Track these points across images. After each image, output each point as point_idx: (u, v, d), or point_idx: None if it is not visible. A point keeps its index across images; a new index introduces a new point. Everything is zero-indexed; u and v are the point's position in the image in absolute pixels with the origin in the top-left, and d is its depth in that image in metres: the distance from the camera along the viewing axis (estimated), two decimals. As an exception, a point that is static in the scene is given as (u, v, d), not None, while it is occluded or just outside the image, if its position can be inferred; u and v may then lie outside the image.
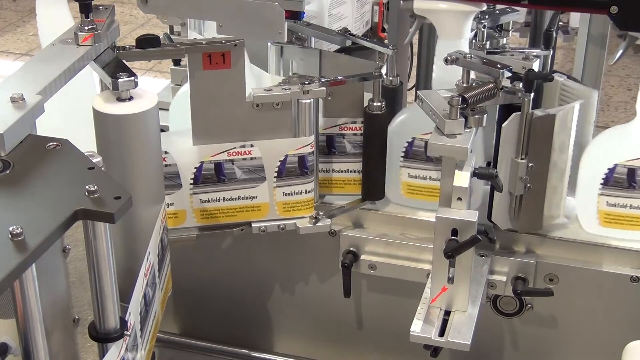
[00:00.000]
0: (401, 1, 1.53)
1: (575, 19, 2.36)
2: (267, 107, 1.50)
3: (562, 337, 1.65)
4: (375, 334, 1.77)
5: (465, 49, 1.54)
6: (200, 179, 1.52)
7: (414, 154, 1.61)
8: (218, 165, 1.52)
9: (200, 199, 1.53)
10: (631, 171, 1.52)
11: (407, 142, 1.60)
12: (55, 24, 1.55)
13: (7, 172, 1.06)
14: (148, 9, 1.52)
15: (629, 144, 1.53)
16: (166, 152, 1.48)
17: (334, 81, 1.53)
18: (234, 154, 1.51)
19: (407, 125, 1.60)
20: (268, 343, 1.85)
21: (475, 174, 1.44)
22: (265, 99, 1.49)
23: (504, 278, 1.58)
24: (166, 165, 1.48)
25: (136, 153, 1.29)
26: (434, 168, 1.60)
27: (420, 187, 1.63)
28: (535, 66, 1.55)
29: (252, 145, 1.51)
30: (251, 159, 1.52)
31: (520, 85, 1.47)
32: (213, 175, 1.52)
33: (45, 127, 1.20)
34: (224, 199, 1.54)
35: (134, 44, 1.42)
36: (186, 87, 1.51)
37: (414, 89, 2.28)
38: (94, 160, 1.09)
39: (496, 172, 1.45)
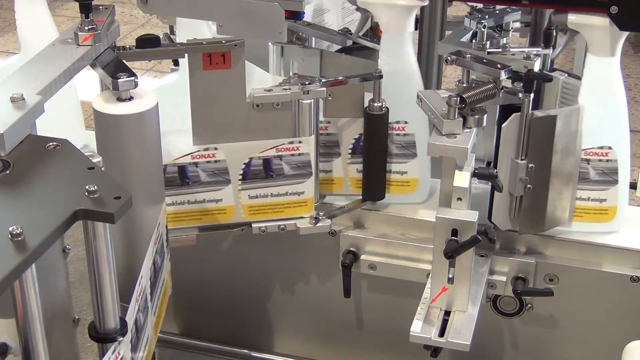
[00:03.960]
0: (552, 14, 1.52)
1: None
2: (267, 107, 1.49)
3: (562, 337, 1.65)
4: (375, 334, 1.77)
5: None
6: (249, 175, 1.53)
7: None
8: (266, 161, 1.52)
9: (249, 195, 1.54)
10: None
11: None
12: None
13: (7, 172, 1.06)
14: (148, 9, 1.52)
15: None
16: (215, 149, 1.49)
17: (335, 81, 1.53)
18: (283, 150, 1.51)
19: None
20: (268, 343, 1.85)
21: (475, 174, 1.44)
22: (265, 99, 1.49)
23: (504, 278, 1.58)
24: (215, 162, 1.50)
25: (136, 153, 1.29)
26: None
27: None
28: (536, 66, 1.55)
29: (300, 142, 1.52)
30: (299, 154, 1.52)
31: (521, 85, 1.47)
32: (261, 171, 1.53)
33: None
34: (271, 195, 1.55)
35: (134, 44, 1.42)
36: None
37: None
38: (94, 160, 1.09)
39: (496, 172, 1.45)
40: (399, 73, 1.54)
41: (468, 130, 1.42)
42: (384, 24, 1.54)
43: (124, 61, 1.37)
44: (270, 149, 1.52)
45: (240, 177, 1.53)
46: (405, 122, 1.58)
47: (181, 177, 1.51)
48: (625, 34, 1.45)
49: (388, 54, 1.55)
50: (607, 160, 1.53)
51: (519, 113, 1.45)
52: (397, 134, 1.59)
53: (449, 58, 1.49)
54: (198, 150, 1.50)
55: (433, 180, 1.67)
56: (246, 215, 1.56)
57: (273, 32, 1.49)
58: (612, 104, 1.50)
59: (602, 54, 1.47)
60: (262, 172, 1.53)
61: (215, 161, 1.51)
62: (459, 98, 1.41)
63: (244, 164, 1.52)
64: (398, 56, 1.55)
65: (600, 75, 1.49)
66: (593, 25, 1.44)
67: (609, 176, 1.54)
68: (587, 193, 1.55)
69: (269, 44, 1.76)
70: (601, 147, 1.52)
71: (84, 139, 1.71)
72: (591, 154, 1.53)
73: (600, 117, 1.50)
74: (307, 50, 1.75)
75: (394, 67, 1.55)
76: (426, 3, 1.52)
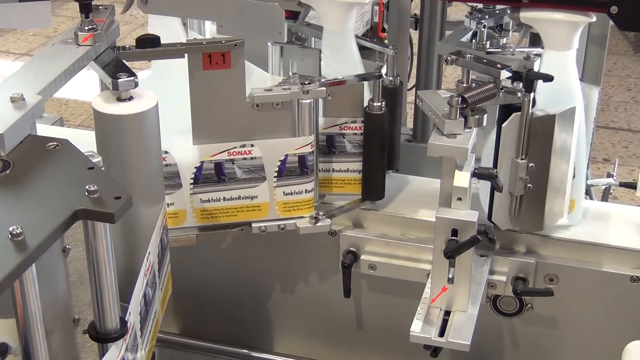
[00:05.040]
0: (508, 11, 1.51)
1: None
2: (267, 107, 1.50)
3: (562, 337, 1.65)
4: (375, 334, 1.77)
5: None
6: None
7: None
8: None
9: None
10: None
11: None
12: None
13: (7, 172, 1.06)
14: (148, 9, 1.52)
15: None
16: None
17: (334, 81, 1.53)
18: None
19: None
20: (268, 343, 1.85)
21: (475, 174, 1.44)
22: (265, 99, 1.49)
23: (504, 278, 1.58)
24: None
25: (136, 153, 1.29)
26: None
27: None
28: (536, 66, 1.55)
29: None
30: (251, 158, 1.52)
31: (521, 85, 1.47)
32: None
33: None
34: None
35: (134, 44, 1.42)
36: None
37: (414, 89, 2.28)
38: (94, 160, 1.09)
39: (496, 172, 1.45)
40: (563, 91, 1.50)
41: (468, 130, 1.42)
42: (548, 40, 1.49)
43: (124, 61, 1.37)
44: (305, 145, 1.52)
45: (276, 174, 1.53)
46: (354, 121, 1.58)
47: (217, 174, 1.52)
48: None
49: (549, 70, 1.49)
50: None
51: (519, 113, 1.45)
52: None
53: (449, 58, 1.49)
54: (234, 147, 1.50)
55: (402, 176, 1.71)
56: (280, 212, 1.57)
57: (273, 32, 1.49)
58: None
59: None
60: (298, 168, 1.54)
61: (252, 158, 1.52)
62: (460, 98, 1.41)
63: (280, 160, 1.53)
64: (562, 72, 1.50)
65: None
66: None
67: None
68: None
69: (269, 44, 1.75)
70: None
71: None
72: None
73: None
74: (306, 50, 1.76)
75: (557, 83, 1.49)
76: (593, 19, 1.46)
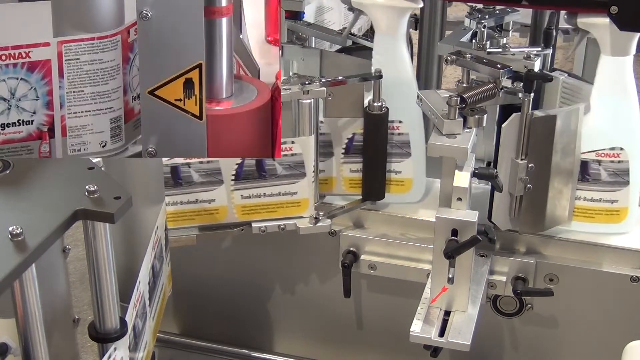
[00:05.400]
0: (564, 16, 1.50)
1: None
2: (267, 107, 1.49)
3: (562, 337, 1.65)
4: (375, 334, 1.77)
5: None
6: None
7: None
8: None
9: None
10: None
11: None
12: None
13: (7, 172, 1.06)
14: (148, 9, 1.51)
15: None
16: None
17: (334, 81, 1.52)
18: None
19: None
20: (268, 343, 1.85)
21: (475, 174, 1.44)
22: (265, 98, 1.49)
23: (504, 278, 1.58)
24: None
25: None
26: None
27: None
28: (536, 66, 1.55)
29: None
30: (292, 155, 1.52)
31: (521, 85, 1.47)
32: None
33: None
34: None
35: (134, 44, 1.42)
36: None
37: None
38: (94, 160, 1.09)
39: (496, 172, 1.45)
40: (621, 95, 1.49)
41: (467, 130, 1.42)
42: (605, 46, 1.46)
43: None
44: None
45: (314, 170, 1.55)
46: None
47: (258, 170, 1.52)
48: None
49: (607, 75, 1.49)
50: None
51: (519, 113, 1.45)
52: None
53: (449, 58, 1.49)
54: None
55: (432, 180, 1.68)
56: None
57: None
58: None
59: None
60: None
61: (292, 154, 1.52)
62: (459, 98, 1.41)
63: None
64: (619, 77, 1.49)
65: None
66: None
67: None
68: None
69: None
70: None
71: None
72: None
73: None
74: (307, 50, 1.75)
75: (614, 88, 1.49)
76: None
